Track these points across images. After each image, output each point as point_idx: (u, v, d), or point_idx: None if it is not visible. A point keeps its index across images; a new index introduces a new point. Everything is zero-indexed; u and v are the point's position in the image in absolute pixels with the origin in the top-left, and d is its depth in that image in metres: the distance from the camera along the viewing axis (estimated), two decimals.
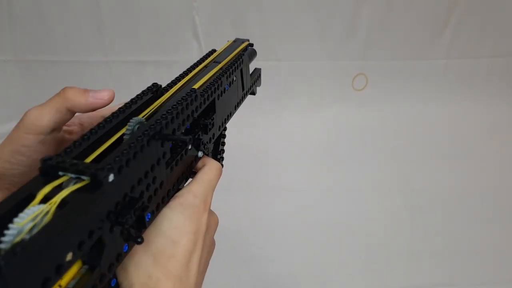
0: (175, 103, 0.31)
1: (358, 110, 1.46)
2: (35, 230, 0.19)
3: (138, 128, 0.28)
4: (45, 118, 0.29)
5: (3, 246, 0.18)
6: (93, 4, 1.28)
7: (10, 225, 0.19)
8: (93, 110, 0.32)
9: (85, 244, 0.21)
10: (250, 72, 0.51)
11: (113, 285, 0.26)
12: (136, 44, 1.34)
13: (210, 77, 0.39)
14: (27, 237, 0.18)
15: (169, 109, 0.30)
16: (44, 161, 0.23)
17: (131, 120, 0.29)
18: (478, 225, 1.02)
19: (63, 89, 0.31)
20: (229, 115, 0.44)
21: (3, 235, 0.18)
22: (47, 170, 0.23)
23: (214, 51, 0.46)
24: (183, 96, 0.33)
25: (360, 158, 1.28)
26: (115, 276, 0.27)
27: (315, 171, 1.21)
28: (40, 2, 1.27)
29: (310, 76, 1.44)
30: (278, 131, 1.39)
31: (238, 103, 0.46)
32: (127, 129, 0.28)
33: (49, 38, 1.31)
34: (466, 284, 0.87)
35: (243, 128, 1.39)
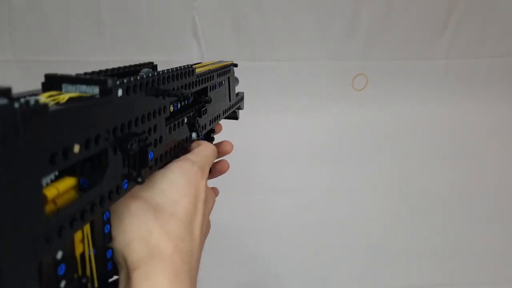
0: (174, 68, 0.33)
1: (358, 110, 1.46)
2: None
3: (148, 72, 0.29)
4: None
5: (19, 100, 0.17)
6: (93, 4, 1.28)
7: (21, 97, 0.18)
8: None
9: (91, 144, 0.21)
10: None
11: (106, 231, 0.25)
12: (136, 44, 1.34)
13: (203, 70, 0.41)
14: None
15: (169, 70, 0.32)
16: (48, 75, 0.22)
17: (142, 70, 0.31)
18: (478, 225, 1.02)
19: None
20: (218, 116, 0.45)
21: (12, 94, 0.18)
22: (50, 82, 0.22)
23: (199, 63, 0.48)
24: (181, 67, 0.34)
25: (360, 158, 1.28)
26: (109, 222, 0.25)
27: (315, 171, 1.21)
28: (40, 2, 1.27)
29: (310, 76, 1.43)
30: (278, 131, 1.39)
31: (225, 110, 0.48)
32: (139, 74, 0.28)
33: (49, 38, 1.31)
34: (466, 284, 0.87)
35: (243, 128, 1.39)
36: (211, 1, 1.30)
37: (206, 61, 1.36)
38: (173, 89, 0.31)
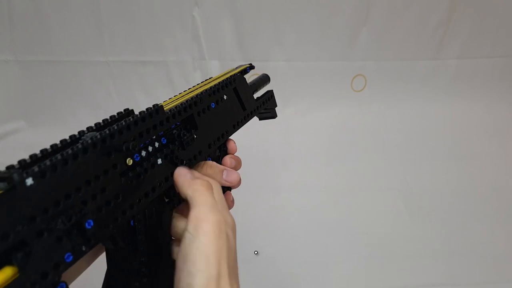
0: (132, 116, 0.31)
1: (358, 111, 1.46)
2: None
3: (90, 139, 0.28)
4: None
5: None
6: (93, 5, 1.28)
7: None
8: None
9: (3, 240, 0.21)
10: (260, 93, 0.51)
11: None
12: (136, 44, 1.34)
13: (192, 95, 0.38)
14: None
15: (122, 122, 0.30)
16: None
17: (85, 134, 0.29)
18: (478, 225, 1.02)
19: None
20: (223, 135, 0.43)
21: None
22: None
23: (210, 78, 0.46)
24: (143, 110, 0.32)
25: (360, 158, 1.28)
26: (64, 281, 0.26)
27: (315, 171, 1.21)
28: (40, 2, 1.27)
29: (310, 77, 1.44)
30: (278, 131, 1.39)
31: (238, 123, 0.46)
32: (79, 142, 0.28)
33: (49, 38, 1.31)
34: (466, 283, 0.87)
35: (243, 128, 1.39)
36: (211, 1, 1.30)
37: (206, 56, 1.36)
38: (124, 142, 0.30)
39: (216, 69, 1.40)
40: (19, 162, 0.25)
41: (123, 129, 0.29)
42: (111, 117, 0.32)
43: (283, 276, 0.89)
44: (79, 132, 0.29)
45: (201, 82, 0.45)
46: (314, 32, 1.36)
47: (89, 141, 0.27)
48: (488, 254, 0.95)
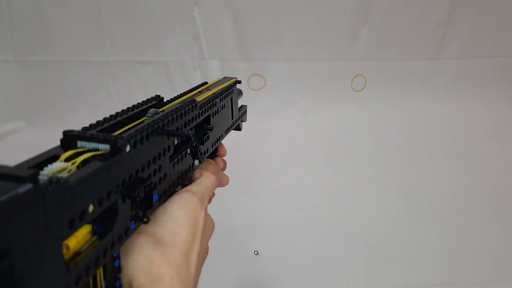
0: (178, 106, 0.35)
1: (358, 111, 1.46)
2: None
3: (155, 115, 0.32)
4: None
5: (42, 177, 0.20)
6: (93, 5, 1.28)
7: (41, 171, 0.21)
8: None
9: (103, 201, 0.23)
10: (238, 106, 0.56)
11: (116, 265, 0.28)
12: (136, 44, 1.34)
13: (207, 97, 0.43)
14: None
15: (174, 109, 0.34)
16: (65, 132, 0.25)
17: (149, 110, 0.33)
18: (477, 225, 1.03)
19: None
20: (220, 137, 0.47)
21: (39, 174, 0.20)
22: (68, 140, 0.25)
23: (205, 83, 0.50)
24: (185, 103, 0.36)
25: (360, 158, 1.28)
26: (118, 257, 0.28)
27: (315, 171, 1.21)
28: (40, 3, 1.27)
29: (310, 77, 1.44)
30: (278, 131, 1.39)
31: (228, 129, 0.50)
32: (146, 115, 0.32)
33: (49, 38, 1.32)
34: (466, 283, 0.87)
35: (243, 128, 1.39)
36: (211, 2, 1.30)
37: (206, 56, 1.36)
38: (177, 128, 0.34)
39: (216, 69, 1.40)
40: (98, 122, 0.28)
41: (178, 117, 0.34)
42: (142, 101, 0.35)
43: (283, 276, 0.89)
44: (125, 110, 0.32)
45: (199, 86, 0.48)
46: (314, 32, 1.36)
47: (161, 123, 0.30)
48: (488, 254, 0.95)
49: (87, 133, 0.25)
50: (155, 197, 0.29)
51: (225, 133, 0.49)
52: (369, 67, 1.43)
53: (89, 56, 1.34)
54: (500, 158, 1.29)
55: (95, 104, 1.38)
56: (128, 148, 0.25)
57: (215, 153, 0.49)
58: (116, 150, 0.24)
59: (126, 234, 0.27)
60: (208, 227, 0.36)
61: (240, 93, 0.58)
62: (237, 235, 0.98)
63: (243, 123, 0.60)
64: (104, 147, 0.24)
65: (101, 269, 0.26)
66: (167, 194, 0.33)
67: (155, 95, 0.37)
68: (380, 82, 1.46)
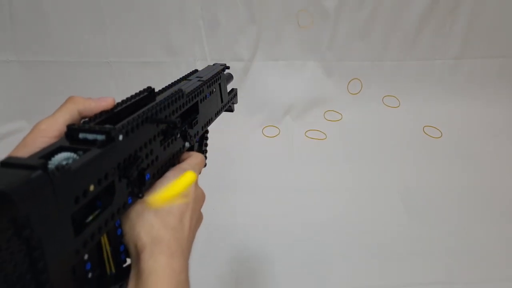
0: (166, 96, 0.40)
1: (358, 111, 1.46)
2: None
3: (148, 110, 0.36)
4: (60, 121, 0.33)
5: (51, 165, 0.25)
6: (94, 5, 1.28)
7: (49, 161, 0.26)
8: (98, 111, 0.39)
9: (102, 181, 0.28)
10: (228, 90, 0.61)
11: (118, 233, 0.34)
12: (137, 44, 1.35)
13: (194, 86, 0.48)
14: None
15: (162, 100, 0.39)
16: (68, 126, 0.30)
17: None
18: (476, 224, 1.03)
19: (71, 97, 0.37)
20: (210, 120, 0.52)
21: (48, 163, 0.25)
22: (71, 132, 0.30)
23: (196, 70, 0.54)
24: (173, 93, 0.41)
25: (360, 158, 1.28)
26: (120, 227, 0.34)
27: (314, 171, 1.22)
28: (41, 3, 1.27)
29: (310, 77, 1.44)
30: (278, 131, 1.40)
31: (218, 112, 0.55)
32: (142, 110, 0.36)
33: (50, 38, 1.32)
34: (464, 282, 0.88)
35: (243, 127, 1.39)
36: (213, 2, 1.30)
37: (208, 57, 1.37)
38: (165, 116, 0.38)
39: None
40: (96, 115, 0.33)
41: (167, 106, 0.39)
42: (135, 93, 0.39)
43: (283, 276, 0.89)
44: (120, 103, 0.36)
45: (189, 74, 0.52)
46: (314, 32, 1.37)
47: (150, 113, 0.35)
48: (486, 253, 0.95)
49: (86, 126, 0.30)
50: (148, 176, 0.35)
51: (215, 116, 0.54)
52: (369, 66, 1.44)
53: (90, 56, 1.35)
54: (500, 158, 1.29)
55: None
56: (121, 137, 0.30)
57: (206, 134, 0.53)
58: (110, 139, 0.29)
59: (124, 207, 0.32)
60: (200, 197, 0.41)
61: (230, 77, 0.63)
62: (237, 235, 0.99)
63: (234, 105, 0.65)
64: (101, 137, 0.29)
65: (105, 238, 0.32)
66: (160, 173, 0.38)
67: (147, 87, 0.41)
68: (378, 83, 1.46)
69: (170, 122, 0.37)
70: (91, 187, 0.27)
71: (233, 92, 0.63)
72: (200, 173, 0.43)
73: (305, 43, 1.39)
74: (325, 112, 1.46)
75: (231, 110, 0.63)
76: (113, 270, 0.33)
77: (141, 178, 0.34)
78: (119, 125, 0.31)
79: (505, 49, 1.44)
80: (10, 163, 0.23)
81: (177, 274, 0.33)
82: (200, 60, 1.37)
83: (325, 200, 1.10)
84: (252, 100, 1.40)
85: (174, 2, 1.29)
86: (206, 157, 0.52)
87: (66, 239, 0.26)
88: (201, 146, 0.52)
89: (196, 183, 0.40)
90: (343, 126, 1.43)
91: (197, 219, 0.41)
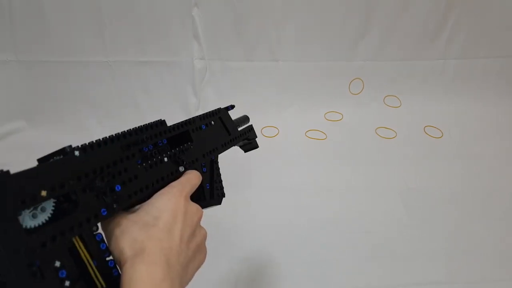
0: (143, 124, 0.43)
1: (358, 111, 1.46)
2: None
3: (116, 134, 0.40)
4: None
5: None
6: (94, 5, 1.28)
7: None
8: None
9: (56, 189, 0.31)
10: (244, 127, 0.65)
11: (103, 248, 0.35)
12: (137, 44, 1.34)
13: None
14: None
15: (137, 127, 0.42)
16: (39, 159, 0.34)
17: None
18: (476, 224, 1.03)
19: None
20: (214, 150, 0.55)
21: None
22: (43, 159, 0.34)
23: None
24: (152, 122, 0.45)
25: (361, 158, 1.28)
26: (103, 241, 0.35)
27: (315, 171, 1.22)
28: (41, 3, 1.27)
29: (310, 77, 1.44)
30: (278, 131, 1.40)
31: (225, 143, 0.58)
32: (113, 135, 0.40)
33: (50, 38, 1.32)
34: (464, 282, 0.88)
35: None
36: (212, 1, 1.30)
37: (206, 56, 1.37)
38: (142, 140, 0.41)
39: (216, 69, 1.40)
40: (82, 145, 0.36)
41: (138, 131, 0.42)
42: (150, 124, 0.44)
43: (283, 276, 0.89)
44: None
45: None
46: (314, 32, 1.37)
47: (114, 135, 0.38)
48: (486, 252, 0.95)
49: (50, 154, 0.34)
50: (118, 188, 0.37)
51: (222, 147, 0.57)
52: (369, 66, 1.44)
53: (90, 56, 1.35)
54: (500, 158, 1.29)
55: (95, 104, 1.39)
56: (77, 153, 0.33)
57: (215, 163, 0.56)
58: (64, 153, 0.33)
59: (96, 217, 0.34)
60: (193, 212, 0.41)
61: (246, 119, 0.67)
62: (237, 234, 0.99)
63: (256, 140, 0.69)
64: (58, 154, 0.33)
65: (85, 251, 0.34)
66: (145, 192, 0.40)
67: (158, 120, 0.45)
68: (379, 83, 1.46)
69: (135, 140, 0.40)
70: (43, 192, 0.30)
71: (248, 127, 0.66)
72: (193, 188, 0.44)
73: (305, 43, 1.38)
74: (325, 113, 1.46)
75: (254, 147, 0.70)
76: (103, 284, 0.34)
77: (111, 189, 0.36)
78: (78, 145, 0.35)
79: (506, 49, 1.44)
80: None
81: (157, 282, 0.32)
82: (198, 60, 1.37)
83: (326, 200, 1.10)
84: (251, 100, 1.40)
85: (173, 2, 1.29)
86: (221, 187, 0.55)
87: (15, 235, 0.28)
88: (212, 177, 0.54)
89: (186, 197, 0.41)
90: (343, 126, 1.43)
91: (192, 234, 0.41)
